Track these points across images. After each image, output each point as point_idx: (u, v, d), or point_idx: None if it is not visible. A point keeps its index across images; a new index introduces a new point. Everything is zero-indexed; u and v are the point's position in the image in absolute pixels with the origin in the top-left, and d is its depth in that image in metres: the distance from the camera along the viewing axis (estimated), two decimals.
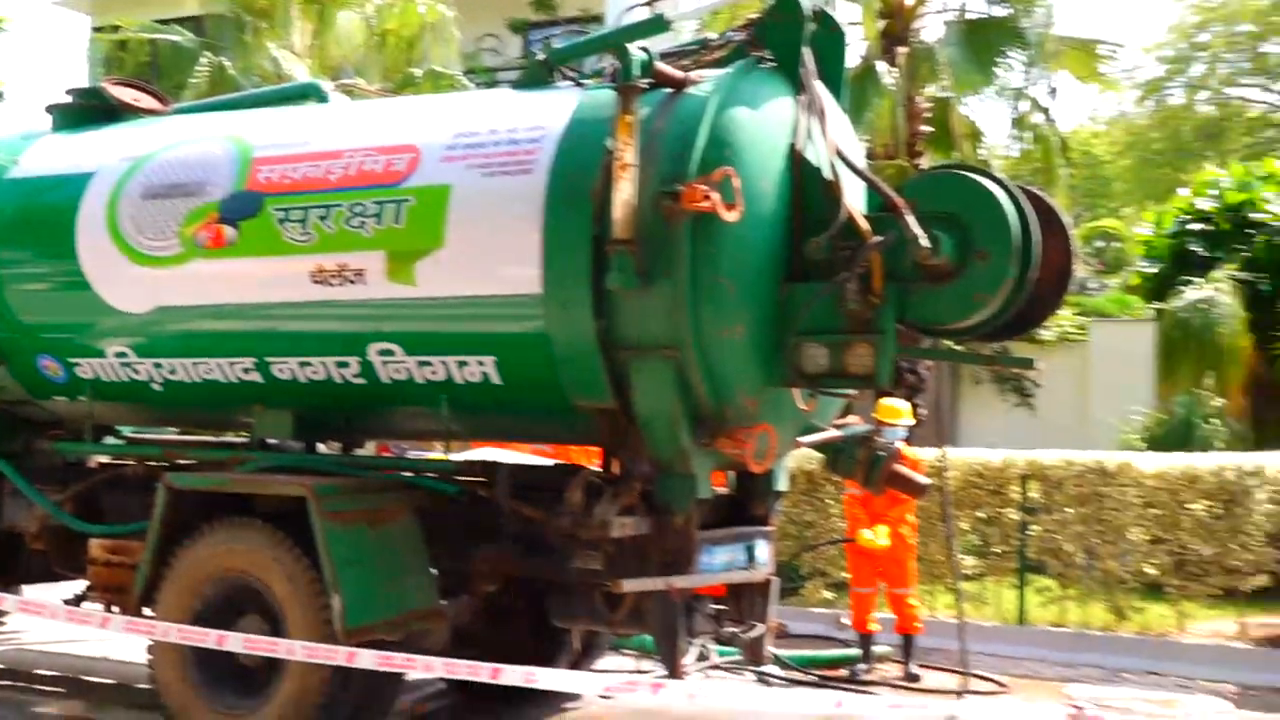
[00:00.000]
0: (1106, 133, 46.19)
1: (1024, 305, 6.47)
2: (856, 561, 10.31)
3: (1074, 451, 12.01)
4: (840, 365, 6.34)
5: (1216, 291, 17.05)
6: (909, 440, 10.21)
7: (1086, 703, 7.29)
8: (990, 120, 55.70)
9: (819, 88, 6.79)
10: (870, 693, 9.33)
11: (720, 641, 7.89)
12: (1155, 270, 19.74)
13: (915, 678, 9.98)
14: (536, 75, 7.54)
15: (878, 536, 9.91)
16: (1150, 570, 11.36)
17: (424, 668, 6.51)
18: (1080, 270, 26.09)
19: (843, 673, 10.11)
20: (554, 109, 6.93)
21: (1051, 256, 6.49)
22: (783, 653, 9.78)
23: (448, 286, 6.89)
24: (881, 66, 14.92)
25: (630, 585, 6.70)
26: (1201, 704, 9.52)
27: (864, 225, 6.33)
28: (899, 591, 10.16)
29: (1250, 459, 11.62)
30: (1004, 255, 6.23)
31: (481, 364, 6.90)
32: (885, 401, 10.30)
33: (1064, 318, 18.90)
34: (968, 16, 15.75)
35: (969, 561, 11.96)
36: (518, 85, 7.74)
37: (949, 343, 7.40)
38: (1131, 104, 43.73)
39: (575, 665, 8.38)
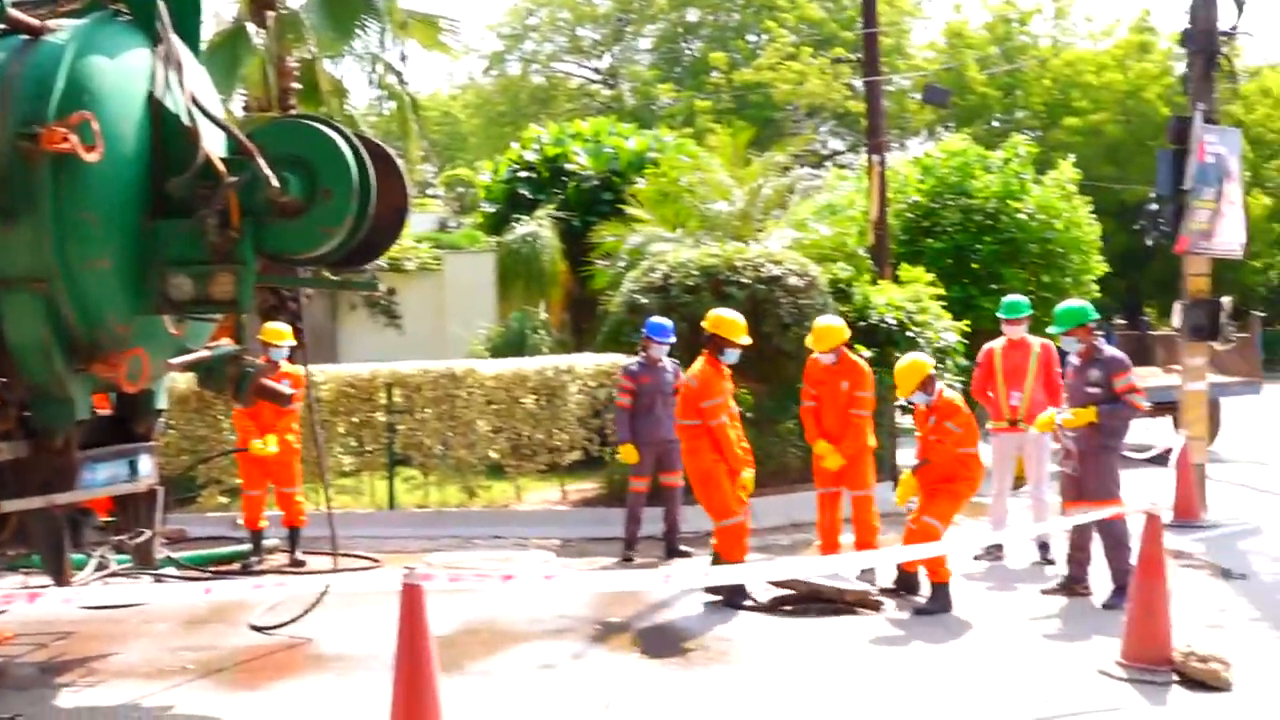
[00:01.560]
0: (461, 96, 47.53)
1: (367, 237, 6.52)
2: (247, 468, 10.09)
3: (430, 362, 12.37)
4: (205, 293, 6.14)
5: (540, 227, 18.03)
6: (292, 359, 10.06)
7: (433, 566, 7.60)
8: (355, 80, 55.42)
9: (176, 42, 6.42)
10: (250, 578, 9.19)
11: (119, 550, 7.42)
12: (494, 210, 20.51)
13: (301, 563, 9.96)
14: None
15: (267, 445, 9.77)
16: (494, 454, 11.93)
17: None
18: (439, 210, 26.82)
19: (236, 566, 9.89)
20: None
21: (389, 197, 6.57)
22: (180, 554, 9.38)
23: None
24: (252, 28, 14.32)
25: (11, 506, 6.19)
26: (530, 556, 10.29)
27: (221, 167, 6.10)
28: (286, 490, 10.08)
29: (565, 360, 12.45)
30: (345, 194, 6.23)
31: None
32: (269, 325, 10.11)
33: (423, 251, 19.26)
34: None
35: (346, 460, 12.04)
36: None
37: (326, 272, 7.31)
38: (480, 73, 45.31)
39: None
